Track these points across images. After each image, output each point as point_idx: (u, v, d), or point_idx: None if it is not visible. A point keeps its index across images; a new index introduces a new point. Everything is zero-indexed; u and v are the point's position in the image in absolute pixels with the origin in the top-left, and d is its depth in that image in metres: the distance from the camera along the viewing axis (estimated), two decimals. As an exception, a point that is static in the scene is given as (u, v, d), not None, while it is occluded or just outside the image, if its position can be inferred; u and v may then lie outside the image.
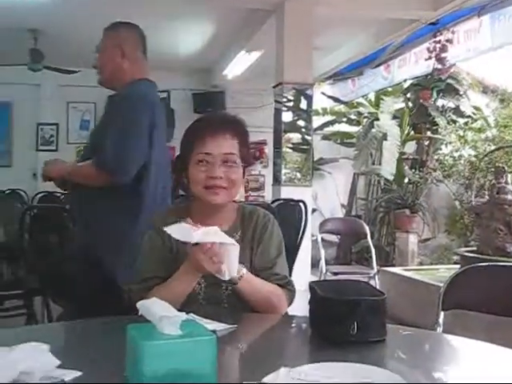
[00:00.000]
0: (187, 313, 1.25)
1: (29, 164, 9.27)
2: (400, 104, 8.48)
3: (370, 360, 1.21)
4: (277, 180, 6.25)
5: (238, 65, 8.16)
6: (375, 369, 1.15)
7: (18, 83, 9.02)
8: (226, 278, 1.60)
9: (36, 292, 3.51)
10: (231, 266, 1.60)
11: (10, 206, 4.68)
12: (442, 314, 1.93)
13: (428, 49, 6.84)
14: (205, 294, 1.76)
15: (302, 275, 4.75)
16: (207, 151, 1.76)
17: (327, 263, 5.71)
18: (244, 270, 1.70)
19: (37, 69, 7.61)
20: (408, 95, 8.42)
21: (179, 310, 1.17)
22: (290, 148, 6.22)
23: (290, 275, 3.50)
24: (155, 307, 1.12)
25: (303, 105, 6.15)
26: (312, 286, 1.54)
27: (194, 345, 1.09)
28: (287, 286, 1.82)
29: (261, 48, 7.16)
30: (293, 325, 1.73)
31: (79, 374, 1.14)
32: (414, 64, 7.59)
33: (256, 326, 1.66)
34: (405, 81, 8.19)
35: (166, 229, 1.59)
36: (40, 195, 7.53)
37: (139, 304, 1.15)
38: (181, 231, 1.57)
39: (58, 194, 7.19)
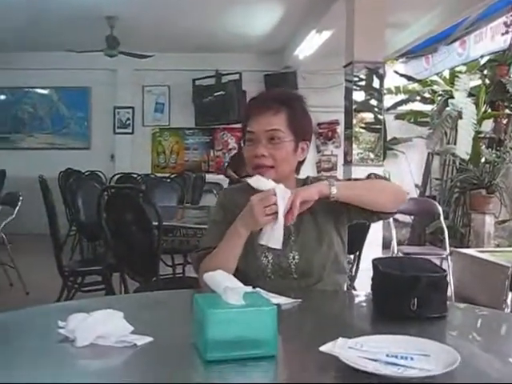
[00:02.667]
0: (254, 287, 1.31)
1: (107, 146, 9.62)
2: (476, 81, 8.21)
3: (429, 335, 1.22)
4: (348, 160, 6.22)
5: (309, 45, 8.11)
6: (433, 343, 1.17)
7: (96, 69, 9.34)
8: (263, 241, 1.60)
9: (114, 268, 3.67)
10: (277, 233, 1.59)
11: (90, 187, 4.88)
12: (510, 294, 1.92)
13: (505, 23, 6.61)
14: (272, 267, 1.79)
15: (373, 256, 4.73)
16: (251, 129, 1.78)
17: (400, 244, 5.67)
18: (334, 190, 1.66)
19: (113, 54, 7.83)
20: (484, 72, 8.15)
21: (249, 285, 1.23)
22: (363, 128, 6.16)
23: (361, 256, 3.53)
24: (220, 278, 1.19)
25: (375, 84, 6.06)
26: (375, 263, 1.57)
27: (255, 314, 1.15)
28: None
29: (331, 27, 7.10)
30: (356, 300, 1.77)
31: (150, 339, 1.23)
32: (490, 39, 7.34)
33: (320, 301, 1.70)
34: (481, 57, 7.92)
35: (248, 180, 1.65)
36: (117, 176, 7.81)
37: (206, 275, 1.22)
38: (258, 182, 1.63)
39: (135, 175, 7.45)
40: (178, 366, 1.16)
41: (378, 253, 5.93)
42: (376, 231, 5.35)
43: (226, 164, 7.96)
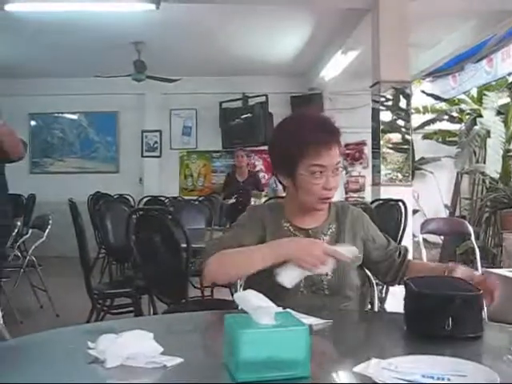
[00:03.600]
0: (284, 308, 1.30)
1: (135, 170, 9.71)
2: (504, 99, 8.14)
3: (465, 355, 1.19)
4: (375, 180, 6.18)
5: (335, 66, 8.14)
6: (470, 363, 1.14)
7: (124, 93, 9.48)
8: (280, 278, 1.62)
9: (143, 290, 3.67)
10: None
11: (119, 210, 4.92)
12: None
13: (533, 40, 6.54)
14: (306, 282, 1.78)
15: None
16: (323, 163, 1.76)
17: (430, 265, 5.56)
18: None
19: (140, 79, 7.94)
20: (513, 89, 8.08)
21: (279, 305, 1.22)
22: (390, 148, 6.12)
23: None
24: (251, 298, 1.17)
25: (402, 103, 6.03)
26: (407, 282, 1.55)
27: (287, 334, 1.13)
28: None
29: (357, 48, 7.12)
30: (388, 320, 1.74)
31: (180, 360, 1.21)
32: (517, 57, 7.28)
33: (351, 321, 1.68)
34: (509, 74, 7.86)
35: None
36: (146, 199, 7.86)
37: (236, 295, 1.21)
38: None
39: (163, 198, 7.49)
40: (208, 387, 1.14)
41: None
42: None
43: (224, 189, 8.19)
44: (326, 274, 1.77)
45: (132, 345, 1.22)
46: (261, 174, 9.53)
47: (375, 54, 5.95)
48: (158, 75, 8.08)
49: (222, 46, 7.82)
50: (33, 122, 9.88)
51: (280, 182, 1.92)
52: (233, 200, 6.79)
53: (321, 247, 1.63)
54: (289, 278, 1.61)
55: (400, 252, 1.93)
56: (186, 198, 8.56)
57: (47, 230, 5.35)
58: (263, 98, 9.20)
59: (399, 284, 1.88)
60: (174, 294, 3.14)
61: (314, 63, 8.80)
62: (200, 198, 7.60)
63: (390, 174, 6.08)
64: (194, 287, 4.53)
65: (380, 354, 1.17)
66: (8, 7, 5.64)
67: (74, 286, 6.29)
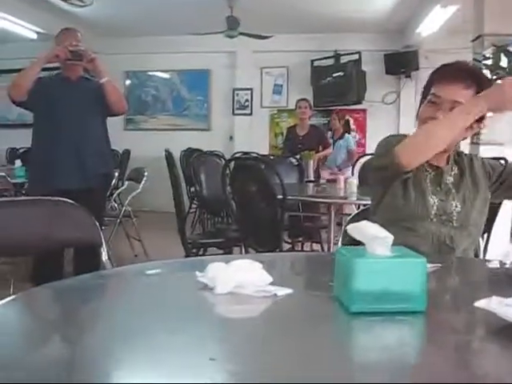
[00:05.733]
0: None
1: (226, 127, 9.77)
2: None
3: None
4: (473, 140, 5.92)
5: (433, 21, 7.78)
6: None
7: (215, 51, 9.50)
8: None
9: (235, 241, 3.71)
10: None
11: (212, 163, 4.98)
12: None
13: None
14: (437, 210, 1.84)
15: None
16: (438, 93, 1.82)
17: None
18: None
19: (233, 35, 7.90)
20: None
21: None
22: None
23: (488, 243, 3.39)
24: (367, 228, 1.13)
25: (503, 62, 5.71)
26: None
27: (404, 265, 1.09)
28: None
29: (457, 1, 6.77)
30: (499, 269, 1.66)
31: (290, 291, 1.20)
32: None
33: (462, 267, 1.61)
34: None
35: None
36: (236, 156, 7.90)
37: (350, 226, 1.17)
38: None
39: (254, 155, 7.50)
40: (321, 317, 1.12)
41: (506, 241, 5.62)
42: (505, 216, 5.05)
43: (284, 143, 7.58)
44: (456, 206, 1.85)
45: (242, 273, 1.21)
46: (352, 134, 9.36)
47: (478, 5, 5.63)
48: (251, 32, 8.02)
49: (315, 2, 7.65)
50: (128, 81, 10.09)
51: None
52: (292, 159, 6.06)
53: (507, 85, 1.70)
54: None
55: None
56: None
57: (142, 182, 5.49)
58: (356, 56, 8.97)
59: None
60: (268, 243, 3.15)
61: (410, 19, 8.46)
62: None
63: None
64: (285, 241, 4.54)
65: (500, 294, 1.10)
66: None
67: (166, 237, 6.47)
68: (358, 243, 1.17)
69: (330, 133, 8.29)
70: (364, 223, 1.16)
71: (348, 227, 1.18)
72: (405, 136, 1.86)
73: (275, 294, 1.17)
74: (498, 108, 1.73)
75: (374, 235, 1.10)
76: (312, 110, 7.30)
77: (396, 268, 1.08)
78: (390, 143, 1.82)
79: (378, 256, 1.09)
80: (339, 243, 2.11)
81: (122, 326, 1.04)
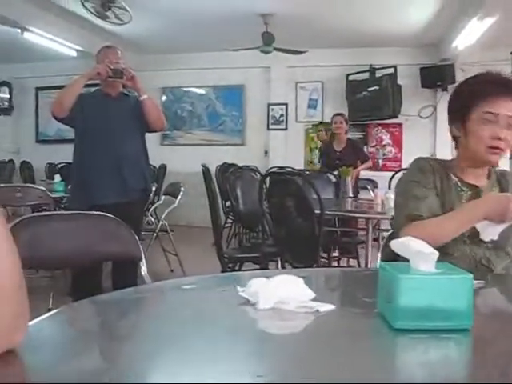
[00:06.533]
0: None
1: (261, 142, 9.80)
2: None
3: None
4: (513, 154, 5.83)
5: (469, 34, 7.70)
6: None
7: (250, 67, 9.56)
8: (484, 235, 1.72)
9: (271, 256, 3.70)
10: None
11: (248, 178, 4.99)
12: None
13: None
14: (470, 232, 1.77)
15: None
16: (496, 111, 1.76)
17: None
18: None
19: (268, 51, 7.95)
20: None
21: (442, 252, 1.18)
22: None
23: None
24: (412, 244, 1.12)
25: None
26: None
27: (451, 282, 1.07)
28: None
29: (495, 13, 6.69)
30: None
31: (332, 307, 1.19)
32: None
33: (505, 285, 1.58)
34: None
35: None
36: (272, 171, 7.91)
37: (394, 242, 1.16)
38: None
39: (289, 169, 7.51)
40: (364, 334, 1.11)
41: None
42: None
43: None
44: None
45: (284, 288, 1.21)
46: (388, 149, 9.30)
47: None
48: (286, 47, 8.05)
49: (350, 17, 7.64)
50: (163, 97, 10.21)
51: (453, 138, 1.92)
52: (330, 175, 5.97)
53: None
54: (488, 232, 1.70)
55: None
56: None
57: (179, 197, 5.53)
58: (391, 70, 8.92)
59: None
60: (305, 258, 3.14)
61: (446, 32, 8.39)
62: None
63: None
64: (321, 257, 4.52)
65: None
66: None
67: (202, 251, 6.53)
68: (398, 259, 1.16)
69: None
70: (408, 239, 1.15)
71: (391, 243, 1.17)
72: (423, 174, 1.84)
73: (317, 310, 1.17)
74: (495, 219, 1.68)
75: (419, 251, 1.09)
76: (348, 125, 7.16)
77: (442, 284, 1.07)
78: (406, 203, 1.82)
79: (423, 272, 1.08)
80: (378, 259, 2.08)
81: (164, 339, 1.04)
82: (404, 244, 1.13)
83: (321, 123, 9.53)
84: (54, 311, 1.18)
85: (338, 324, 1.15)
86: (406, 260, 1.13)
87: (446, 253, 1.71)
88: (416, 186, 1.83)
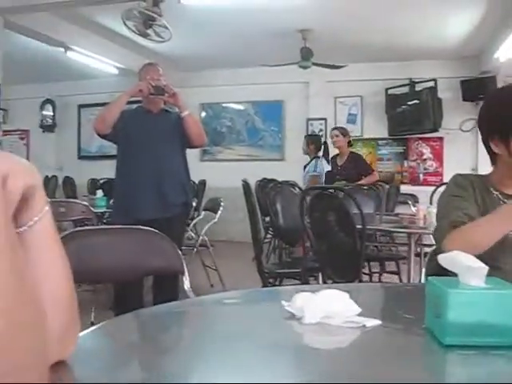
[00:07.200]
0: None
1: (300, 157, 9.78)
2: None
3: None
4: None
5: (511, 46, 7.60)
6: None
7: (289, 82, 9.58)
8: None
9: (312, 271, 3.69)
10: None
11: (288, 193, 4.99)
12: None
13: None
14: None
15: None
16: None
17: None
18: None
19: (307, 66, 7.97)
20: None
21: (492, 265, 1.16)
22: None
23: None
24: (460, 258, 1.10)
25: None
26: None
27: (501, 297, 1.05)
28: None
29: (539, 25, 6.59)
30: None
31: (379, 322, 1.17)
32: None
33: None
34: None
35: None
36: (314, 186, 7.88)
37: (442, 256, 1.14)
38: None
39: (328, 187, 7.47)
40: (412, 350, 1.10)
41: None
42: None
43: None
44: None
45: (329, 303, 1.20)
46: (428, 163, 9.18)
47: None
48: (324, 62, 8.06)
49: (388, 30, 7.62)
50: (203, 113, 10.31)
51: (488, 152, 1.86)
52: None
53: None
54: None
55: None
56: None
57: (219, 212, 5.56)
58: (431, 83, 8.84)
59: None
60: (347, 273, 3.11)
61: (487, 44, 8.29)
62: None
63: None
64: (363, 273, 4.48)
65: None
66: (184, 0, 5.91)
67: (241, 266, 6.54)
68: (442, 274, 1.14)
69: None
70: (456, 253, 1.13)
71: (439, 257, 1.15)
72: (462, 189, 1.83)
73: (364, 325, 1.16)
74: None
75: (468, 265, 1.07)
76: (348, 137, 6.94)
77: (493, 300, 1.05)
78: (448, 213, 1.80)
79: (473, 287, 1.06)
80: (420, 274, 2.05)
81: (207, 353, 1.04)
82: (452, 258, 1.11)
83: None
84: (99, 325, 1.19)
85: (386, 339, 1.13)
86: (453, 275, 1.11)
87: (494, 266, 1.68)
88: (457, 200, 1.82)
